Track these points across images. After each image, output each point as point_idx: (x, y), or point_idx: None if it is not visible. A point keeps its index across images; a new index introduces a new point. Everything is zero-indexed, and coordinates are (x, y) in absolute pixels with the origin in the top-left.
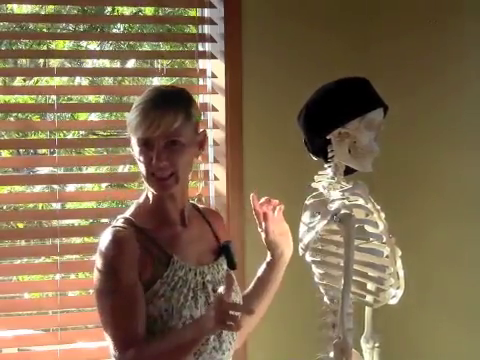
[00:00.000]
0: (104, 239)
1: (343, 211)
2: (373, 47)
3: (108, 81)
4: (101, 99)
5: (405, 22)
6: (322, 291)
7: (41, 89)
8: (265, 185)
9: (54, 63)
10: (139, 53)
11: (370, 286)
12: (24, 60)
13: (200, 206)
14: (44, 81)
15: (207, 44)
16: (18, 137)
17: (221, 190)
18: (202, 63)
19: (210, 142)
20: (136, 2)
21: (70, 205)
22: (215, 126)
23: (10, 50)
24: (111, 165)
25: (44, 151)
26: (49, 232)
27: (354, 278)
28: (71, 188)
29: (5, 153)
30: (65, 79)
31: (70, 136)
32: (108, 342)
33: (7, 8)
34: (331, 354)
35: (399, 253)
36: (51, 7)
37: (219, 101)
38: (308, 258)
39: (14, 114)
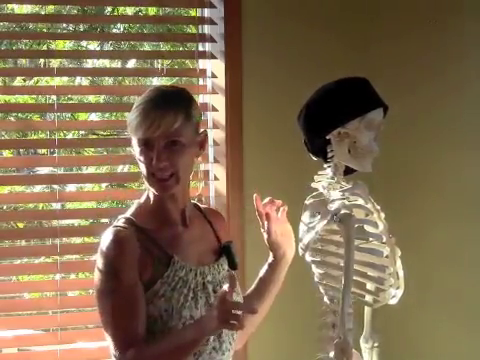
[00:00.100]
0: (105, 239)
1: (343, 211)
2: (373, 47)
3: (108, 81)
4: (101, 99)
5: (405, 22)
6: (322, 291)
7: (41, 89)
8: (265, 185)
9: (54, 63)
10: (139, 53)
11: (370, 286)
12: (24, 60)
13: (202, 206)
14: (44, 81)
15: (207, 44)
16: (18, 137)
17: (221, 190)
18: (202, 63)
19: (210, 142)
20: (136, 2)
21: (70, 205)
22: (215, 126)
23: (10, 50)
24: (111, 165)
25: (44, 151)
26: (49, 232)
27: (354, 278)
28: (71, 188)
29: (5, 153)
30: (65, 79)
31: (70, 136)
32: (108, 342)
33: (7, 8)
34: (331, 354)
35: (399, 253)
36: (51, 7)
37: (219, 101)
38: (308, 258)
39: (14, 114)
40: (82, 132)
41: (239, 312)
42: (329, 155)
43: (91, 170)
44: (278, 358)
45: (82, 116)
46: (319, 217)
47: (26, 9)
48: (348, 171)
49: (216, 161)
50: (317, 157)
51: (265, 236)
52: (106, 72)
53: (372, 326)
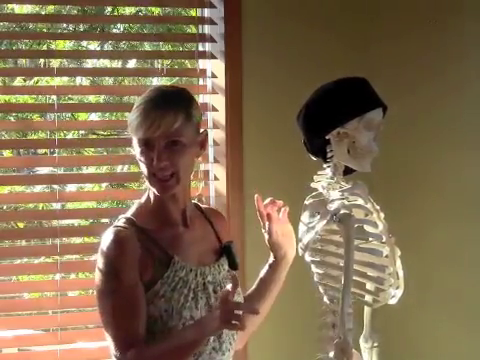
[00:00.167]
0: (106, 239)
1: (342, 211)
2: (373, 47)
3: (108, 81)
4: (101, 99)
5: (405, 22)
6: (321, 291)
7: (41, 89)
8: (265, 185)
9: (54, 63)
10: (139, 53)
11: (369, 286)
12: (24, 60)
13: (203, 206)
14: (44, 81)
15: (207, 44)
16: (18, 137)
17: (221, 190)
18: (202, 63)
19: (210, 142)
20: (136, 2)
21: (70, 205)
22: (215, 126)
23: (10, 50)
24: (111, 165)
25: (44, 151)
26: (49, 232)
27: (353, 278)
28: (71, 188)
29: (5, 153)
30: (65, 79)
31: (70, 136)
32: (109, 342)
33: (7, 8)
34: (331, 354)
35: (398, 253)
36: (51, 7)
37: (219, 101)
38: (307, 258)
39: (14, 114)
40: (82, 132)
41: (241, 313)
42: (328, 155)
43: (91, 170)
44: (278, 358)
45: (82, 116)
46: (319, 217)
47: (26, 9)
48: (347, 171)
49: (216, 161)
50: (316, 157)
51: (266, 237)
52: (106, 72)
53: (372, 326)
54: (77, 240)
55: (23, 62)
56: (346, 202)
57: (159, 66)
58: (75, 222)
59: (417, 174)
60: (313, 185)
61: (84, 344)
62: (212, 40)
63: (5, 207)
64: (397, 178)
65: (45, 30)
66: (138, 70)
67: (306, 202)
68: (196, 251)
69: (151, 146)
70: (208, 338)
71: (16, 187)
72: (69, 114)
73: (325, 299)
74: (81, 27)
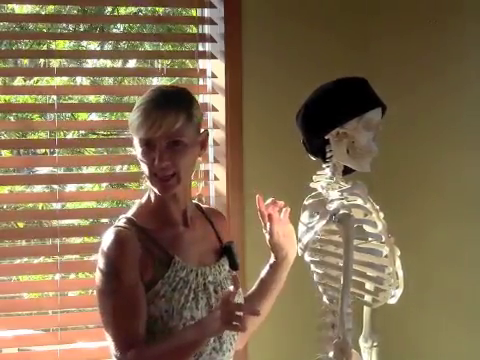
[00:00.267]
0: (106, 239)
1: (342, 211)
2: (373, 47)
3: (108, 81)
4: (101, 99)
5: (405, 22)
6: (321, 291)
7: (41, 89)
8: (265, 185)
9: (54, 63)
10: (139, 53)
11: (369, 286)
12: (24, 60)
13: (203, 206)
14: (44, 81)
15: (207, 44)
16: (18, 137)
17: (221, 190)
18: (202, 63)
19: (210, 142)
20: (136, 2)
21: (70, 205)
22: (215, 126)
23: (10, 50)
24: (111, 165)
25: (44, 151)
26: (49, 232)
27: (353, 278)
28: (71, 188)
29: (5, 153)
30: (65, 79)
31: (70, 136)
32: (109, 342)
33: (7, 8)
34: (331, 354)
35: (398, 253)
36: (51, 7)
37: (219, 101)
38: (307, 258)
39: (14, 114)
40: (82, 132)
41: (242, 314)
42: (328, 155)
43: (91, 170)
44: (278, 358)
45: (82, 116)
46: (318, 217)
47: (26, 9)
48: (347, 171)
49: (216, 161)
50: (316, 157)
51: (267, 237)
52: (106, 72)
53: (371, 326)
54: (77, 240)
55: (23, 62)
56: (345, 202)
57: (159, 66)
58: (75, 222)
59: (417, 174)
60: (312, 185)
61: (84, 344)
62: (212, 40)
63: (5, 207)
64: (397, 178)
65: (45, 30)
66: (138, 70)
67: (305, 202)
68: (197, 251)
69: (152, 146)
70: (209, 339)
71: (16, 187)
72: (69, 114)
73: (324, 299)
74: (81, 27)
